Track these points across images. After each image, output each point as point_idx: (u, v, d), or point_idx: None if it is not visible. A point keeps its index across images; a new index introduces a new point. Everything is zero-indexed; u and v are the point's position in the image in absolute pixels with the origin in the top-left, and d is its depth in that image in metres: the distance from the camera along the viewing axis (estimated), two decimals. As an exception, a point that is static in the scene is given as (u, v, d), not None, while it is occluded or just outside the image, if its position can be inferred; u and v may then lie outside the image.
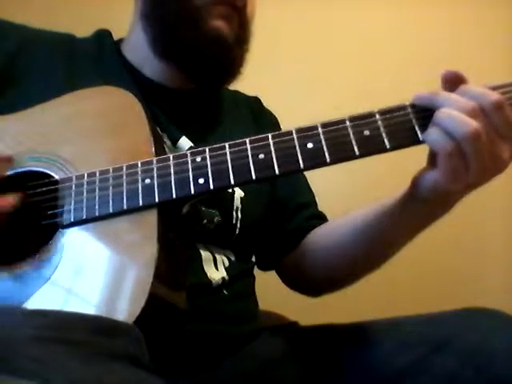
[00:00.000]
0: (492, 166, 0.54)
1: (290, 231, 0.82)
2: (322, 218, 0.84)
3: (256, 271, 0.84)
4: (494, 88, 0.55)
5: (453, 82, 0.56)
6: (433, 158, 0.55)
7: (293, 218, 0.83)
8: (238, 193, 0.76)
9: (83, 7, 1.41)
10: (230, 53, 0.76)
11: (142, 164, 0.59)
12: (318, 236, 0.79)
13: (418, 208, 0.62)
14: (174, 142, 0.74)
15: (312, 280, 0.81)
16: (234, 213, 0.75)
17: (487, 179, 0.56)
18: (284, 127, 0.60)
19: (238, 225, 0.75)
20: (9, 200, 0.59)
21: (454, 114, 0.52)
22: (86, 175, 0.60)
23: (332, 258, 0.76)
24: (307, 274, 0.80)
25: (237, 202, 0.75)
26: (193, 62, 0.76)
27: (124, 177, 0.59)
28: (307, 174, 0.85)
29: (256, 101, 0.92)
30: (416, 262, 1.37)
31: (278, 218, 0.82)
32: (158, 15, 0.76)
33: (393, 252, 0.70)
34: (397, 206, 0.63)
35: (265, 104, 0.93)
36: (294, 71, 1.45)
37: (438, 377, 0.60)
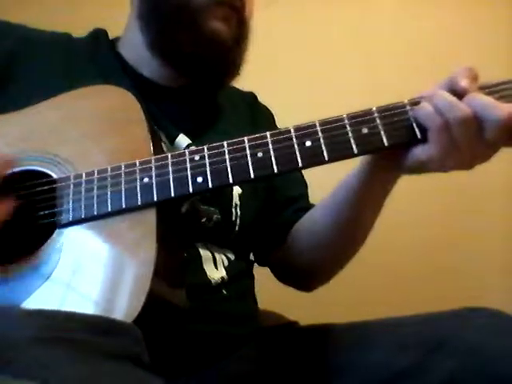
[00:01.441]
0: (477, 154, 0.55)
1: (278, 225, 0.82)
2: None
3: (256, 271, 0.84)
4: (487, 87, 0.55)
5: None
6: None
7: (281, 212, 0.83)
8: (236, 189, 0.76)
9: (80, 7, 1.41)
10: (228, 54, 0.76)
11: (141, 163, 0.59)
12: (299, 225, 0.80)
13: (388, 176, 0.64)
14: (172, 139, 0.73)
15: (301, 271, 0.81)
16: (233, 210, 0.75)
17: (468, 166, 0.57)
18: (284, 126, 0.60)
19: (238, 221, 0.75)
20: (7, 206, 0.58)
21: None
22: (84, 174, 0.60)
23: (313, 243, 0.77)
24: (295, 265, 0.80)
25: (235, 199, 0.75)
26: (191, 65, 0.75)
27: (122, 176, 0.59)
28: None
29: (252, 96, 0.92)
30: (416, 263, 1.37)
31: (269, 212, 0.83)
32: (155, 16, 0.75)
33: (365, 225, 0.72)
34: (364, 174, 0.65)
35: (265, 102, 0.93)
36: (294, 70, 1.45)
37: (437, 377, 0.60)
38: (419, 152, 0.56)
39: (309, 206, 0.83)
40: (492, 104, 0.52)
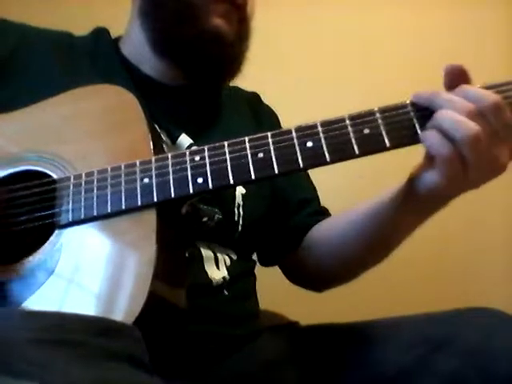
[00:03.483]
0: (490, 168, 0.54)
1: (294, 228, 0.81)
2: (324, 214, 0.84)
3: (257, 271, 0.83)
4: (492, 87, 0.54)
5: (455, 76, 0.55)
6: (430, 158, 0.55)
7: (296, 215, 0.82)
8: (239, 189, 0.75)
9: (82, 6, 1.41)
10: (229, 51, 0.76)
11: (141, 163, 0.59)
12: (322, 231, 0.79)
13: (414, 204, 0.61)
14: (174, 139, 0.73)
15: (316, 275, 0.81)
16: (236, 210, 0.74)
17: (485, 181, 0.56)
18: (286, 126, 0.59)
19: (241, 222, 0.75)
20: None
21: (456, 116, 0.51)
22: (83, 175, 0.59)
23: (334, 254, 0.76)
24: (311, 269, 0.80)
25: (238, 199, 0.75)
26: (192, 61, 0.76)
27: (122, 176, 0.58)
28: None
29: (255, 96, 0.92)
30: (416, 262, 1.37)
31: (280, 215, 0.82)
32: (157, 13, 0.76)
33: (392, 246, 0.71)
34: (393, 201, 0.63)
35: (266, 102, 0.93)
36: (295, 70, 1.45)
37: (438, 377, 0.60)
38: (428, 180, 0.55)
39: (322, 210, 0.83)
40: (481, 92, 0.52)
